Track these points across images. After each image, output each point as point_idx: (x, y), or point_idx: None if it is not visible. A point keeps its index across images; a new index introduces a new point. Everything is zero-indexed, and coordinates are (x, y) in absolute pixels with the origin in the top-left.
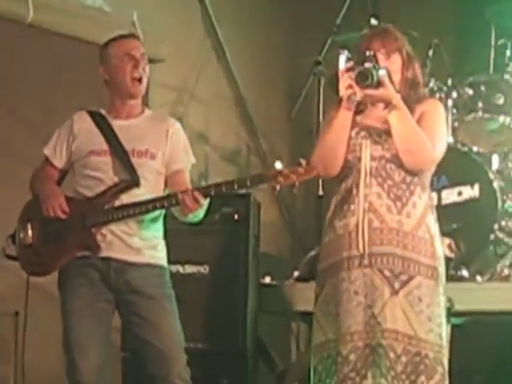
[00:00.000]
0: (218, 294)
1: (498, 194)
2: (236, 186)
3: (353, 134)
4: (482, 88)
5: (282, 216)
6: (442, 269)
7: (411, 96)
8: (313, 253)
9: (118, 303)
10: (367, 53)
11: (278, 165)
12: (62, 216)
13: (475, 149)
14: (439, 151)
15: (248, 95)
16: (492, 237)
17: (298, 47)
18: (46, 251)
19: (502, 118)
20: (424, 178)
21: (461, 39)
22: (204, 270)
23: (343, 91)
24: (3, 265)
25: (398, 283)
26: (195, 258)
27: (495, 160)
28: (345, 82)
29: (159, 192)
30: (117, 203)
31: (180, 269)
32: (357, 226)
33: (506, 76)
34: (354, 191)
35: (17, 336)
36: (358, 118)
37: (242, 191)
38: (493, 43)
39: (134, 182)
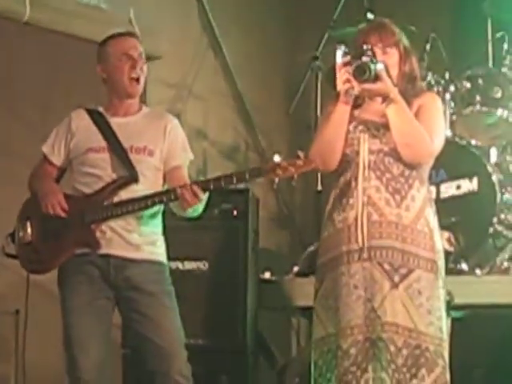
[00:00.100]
0: (218, 289)
1: (497, 187)
2: (235, 180)
3: (351, 128)
4: (480, 81)
5: (281, 211)
6: (441, 262)
7: (409, 90)
8: (312, 248)
9: (118, 300)
10: (364, 47)
11: (277, 158)
12: (62, 214)
13: (473, 142)
14: (437, 145)
15: (246, 91)
16: (491, 230)
17: (295, 43)
18: (46, 249)
19: (499, 112)
20: (422, 172)
21: (458, 33)
22: (203, 266)
23: (341, 85)
24: (3, 263)
25: (397, 277)
26: (194, 255)
27: (493, 153)
28: (342, 76)
29: (158, 188)
30: (116, 199)
31: (179, 265)
32: (356, 219)
33: (504, 69)
34: (353, 185)
35: (17, 334)
36: (356, 112)
37: (241, 187)
38: (490, 36)
39: (133, 178)
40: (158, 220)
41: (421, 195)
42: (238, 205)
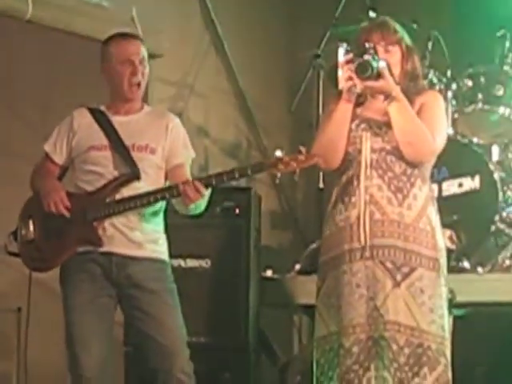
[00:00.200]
0: (220, 287)
1: (499, 185)
2: (237, 175)
3: (353, 126)
4: (482, 79)
5: (283, 209)
6: (443, 260)
7: (411, 88)
8: (314, 246)
9: (120, 298)
10: (367, 45)
11: (279, 152)
12: (64, 212)
13: (475, 140)
14: (439, 143)
15: (247, 89)
16: (493, 228)
17: (297, 40)
18: (48, 247)
19: (501, 110)
20: (424, 170)
21: (460, 31)
22: (205, 263)
23: (343, 83)
24: (5, 261)
25: (399, 275)
26: (197, 252)
27: (495, 151)
28: (345, 73)
29: (159, 186)
30: (117, 197)
31: (182, 263)
32: (358, 218)
33: (506, 67)
34: (355, 183)
35: (19, 332)
36: (358, 111)
37: (243, 185)
38: (492, 34)
39: (135, 175)
40: (160, 218)
41: (423, 193)
42: (240, 203)
